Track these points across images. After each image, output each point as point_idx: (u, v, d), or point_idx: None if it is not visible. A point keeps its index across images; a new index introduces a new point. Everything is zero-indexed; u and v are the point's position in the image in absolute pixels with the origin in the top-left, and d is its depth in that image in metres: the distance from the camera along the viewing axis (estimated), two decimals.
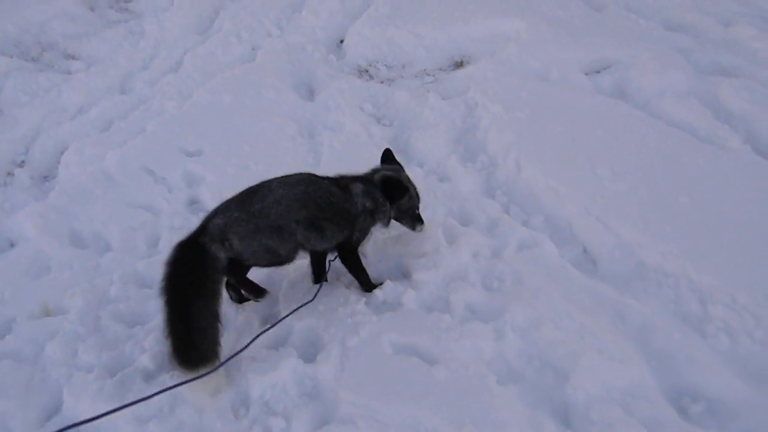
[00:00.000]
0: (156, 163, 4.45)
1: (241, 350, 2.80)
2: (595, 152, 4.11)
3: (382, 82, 5.55)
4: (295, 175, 3.17)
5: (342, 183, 3.22)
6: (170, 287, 2.79)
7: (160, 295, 2.80)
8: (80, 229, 4.00)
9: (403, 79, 5.58)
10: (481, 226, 3.76)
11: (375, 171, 3.43)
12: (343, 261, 3.34)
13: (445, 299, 3.18)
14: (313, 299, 3.14)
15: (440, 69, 5.69)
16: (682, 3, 6.20)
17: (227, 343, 3.14)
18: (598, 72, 5.29)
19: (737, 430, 2.63)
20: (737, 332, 2.96)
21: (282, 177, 3.13)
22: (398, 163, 3.58)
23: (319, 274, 3.39)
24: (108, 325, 3.31)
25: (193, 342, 2.74)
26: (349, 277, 3.40)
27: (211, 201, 4.09)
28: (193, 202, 4.21)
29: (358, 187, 3.23)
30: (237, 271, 3.10)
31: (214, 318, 2.83)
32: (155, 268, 3.58)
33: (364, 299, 3.24)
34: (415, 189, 3.47)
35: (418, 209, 3.50)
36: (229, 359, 2.79)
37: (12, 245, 4.04)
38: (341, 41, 6.23)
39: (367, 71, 5.75)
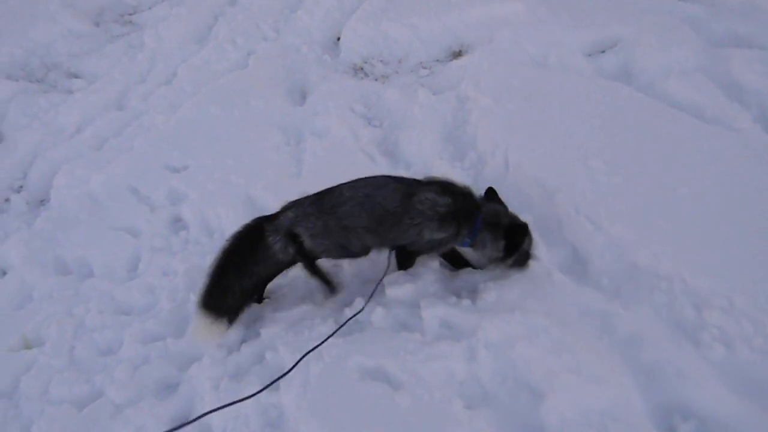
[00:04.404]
0: (141, 181, 4.36)
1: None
2: (590, 143, 3.81)
3: (376, 80, 5.33)
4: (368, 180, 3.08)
5: (414, 188, 3.00)
6: (226, 253, 3.01)
7: (219, 249, 3.03)
8: (64, 256, 3.96)
9: (398, 75, 5.33)
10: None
11: (493, 207, 3.12)
12: (396, 256, 3.30)
13: (417, 316, 2.99)
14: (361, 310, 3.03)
15: (437, 61, 5.43)
16: None
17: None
18: (603, 52, 4.93)
19: None
20: (734, 340, 2.67)
21: (354, 181, 3.07)
22: (503, 204, 3.21)
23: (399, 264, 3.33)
24: (82, 355, 3.29)
25: (218, 299, 2.99)
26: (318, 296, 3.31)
27: (193, 219, 4.01)
28: (177, 221, 4.11)
29: (426, 196, 2.96)
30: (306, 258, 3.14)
31: (244, 296, 3.10)
32: (132, 294, 3.57)
33: (333, 319, 3.10)
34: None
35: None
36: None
37: (5, 274, 4.05)
38: (338, 39, 6.04)
39: (362, 69, 5.54)
